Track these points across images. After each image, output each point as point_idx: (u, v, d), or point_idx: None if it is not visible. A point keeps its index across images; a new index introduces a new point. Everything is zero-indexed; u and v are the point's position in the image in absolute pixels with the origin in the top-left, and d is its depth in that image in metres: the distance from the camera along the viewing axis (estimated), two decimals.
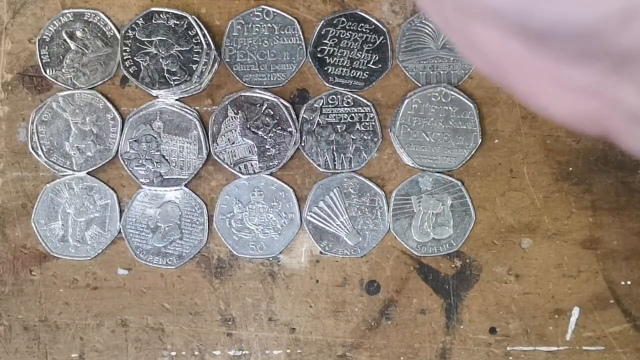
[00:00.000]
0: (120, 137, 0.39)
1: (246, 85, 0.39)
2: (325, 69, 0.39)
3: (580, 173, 0.39)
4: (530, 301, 0.39)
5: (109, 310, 0.39)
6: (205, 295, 0.39)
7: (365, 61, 0.39)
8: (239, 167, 0.38)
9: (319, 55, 0.39)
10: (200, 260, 0.39)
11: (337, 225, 0.39)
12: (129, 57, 0.38)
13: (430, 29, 0.39)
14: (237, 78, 0.39)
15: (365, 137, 0.39)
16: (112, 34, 0.39)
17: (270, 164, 0.38)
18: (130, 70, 0.38)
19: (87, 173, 0.39)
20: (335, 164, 0.39)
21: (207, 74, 0.38)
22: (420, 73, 0.39)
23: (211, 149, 0.38)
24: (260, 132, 0.38)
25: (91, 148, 0.39)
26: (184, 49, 0.38)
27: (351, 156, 0.39)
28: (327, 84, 0.39)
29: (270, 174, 0.39)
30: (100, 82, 0.39)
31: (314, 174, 0.39)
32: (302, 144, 0.39)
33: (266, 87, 0.39)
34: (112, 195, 0.39)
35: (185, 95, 0.39)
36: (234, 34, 0.39)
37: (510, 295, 0.39)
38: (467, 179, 0.39)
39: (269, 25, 0.39)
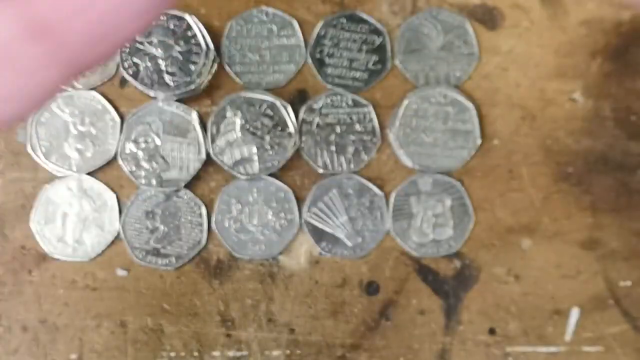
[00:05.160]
0: (119, 138, 0.38)
1: (245, 86, 0.39)
2: (325, 69, 0.39)
3: (580, 174, 0.39)
4: (530, 302, 0.39)
5: (108, 311, 0.39)
6: (204, 296, 0.39)
7: (365, 62, 0.39)
8: (238, 168, 0.38)
9: (318, 56, 0.39)
10: (200, 261, 0.39)
11: (337, 226, 0.39)
12: (128, 58, 0.38)
13: (429, 30, 0.39)
14: (237, 79, 0.39)
15: (365, 138, 0.39)
16: None
17: (270, 164, 0.38)
18: (129, 71, 0.38)
19: (86, 174, 0.39)
20: (334, 165, 0.39)
21: (206, 75, 0.38)
22: (420, 74, 0.39)
23: (210, 149, 0.38)
24: (259, 133, 0.38)
25: (90, 149, 0.39)
26: (183, 49, 0.38)
27: (350, 157, 0.39)
28: (327, 85, 0.39)
29: (270, 175, 0.39)
30: (99, 84, 0.39)
31: (313, 174, 0.39)
32: (302, 145, 0.39)
33: (265, 87, 0.39)
34: (111, 196, 0.39)
35: (185, 96, 0.39)
36: (233, 34, 0.39)
37: (509, 296, 0.39)
38: (466, 180, 0.39)
39: (268, 26, 0.39)
